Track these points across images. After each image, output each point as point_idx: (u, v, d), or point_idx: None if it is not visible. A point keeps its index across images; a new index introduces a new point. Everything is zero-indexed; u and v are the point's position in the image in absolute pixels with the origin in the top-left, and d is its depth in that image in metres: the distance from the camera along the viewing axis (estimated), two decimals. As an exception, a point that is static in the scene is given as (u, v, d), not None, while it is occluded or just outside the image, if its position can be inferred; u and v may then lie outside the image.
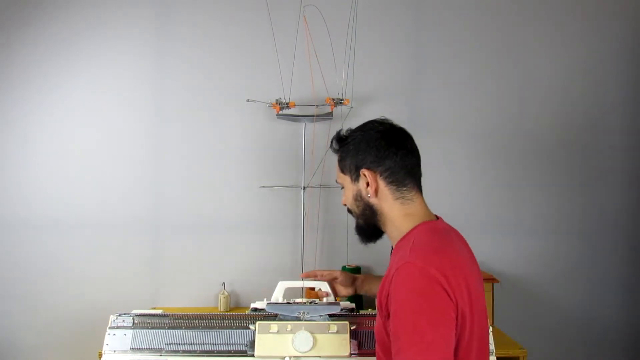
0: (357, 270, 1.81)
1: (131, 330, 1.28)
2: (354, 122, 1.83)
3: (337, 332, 1.25)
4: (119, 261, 1.83)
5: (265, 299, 1.39)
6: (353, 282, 1.49)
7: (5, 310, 1.81)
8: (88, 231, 1.83)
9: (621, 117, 1.92)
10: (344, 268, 1.82)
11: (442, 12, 1.90)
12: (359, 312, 1.35)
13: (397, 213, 1.07)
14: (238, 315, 1.31)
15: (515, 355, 1.55)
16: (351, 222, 1.83)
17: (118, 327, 1.29)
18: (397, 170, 1.07)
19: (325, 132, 1.84)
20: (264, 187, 1.85)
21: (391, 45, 1.89)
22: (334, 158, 1.80)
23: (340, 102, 1.79)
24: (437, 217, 1.11)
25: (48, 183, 1.82)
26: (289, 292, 1.51)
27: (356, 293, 1.50)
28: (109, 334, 1.28)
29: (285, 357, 1.23)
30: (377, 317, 1.05)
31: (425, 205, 1.10)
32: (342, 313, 1.32)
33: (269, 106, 1.80)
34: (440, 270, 0.92)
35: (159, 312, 1.37)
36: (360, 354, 1.24)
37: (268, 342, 1.24)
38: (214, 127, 1.86)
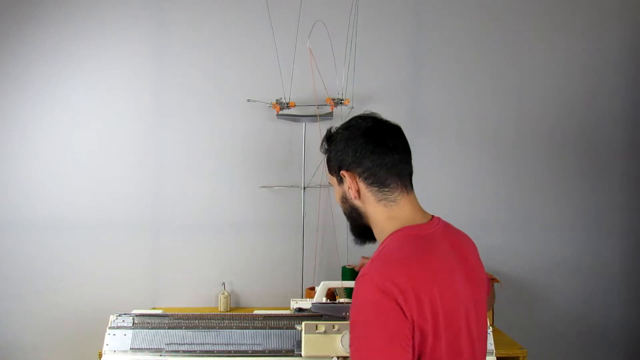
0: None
1: (131, 331, 1.28)
2: (354, 122, 1.86)
3: None
4: (119, 261, 1.83)
5: (308, 299, 1.37)
6: None
7: (5, 310, 1.81)
8: (88, 231, 1.83)
9: (621, 117, 1.92)
10: (343, 268, 1.82)
11: (442, 13, 1.90)
12: None
13: (381, 216, 1.00)
14: (240, 316, 1.31)
15: (515, 355, 1.55)
16: (351, 222, 1.86)
17: (118, 327, 1.29)
18: (376, 171, 0.99)
19: (325, 132, 1.84)
20: (264, 187, 1.85)
21: (391, 45, 1.89)
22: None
23: (340, 102, 1.79)
24: (432, 218, 1.02)
25: (48, 183, 1.82)
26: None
27: None
28: (109, 334, 1.28)
29: (333, 357, 1.22)
30: None
31: (413, 206, 1.01)
32: None
33: (269, 106, 1.80)
34: (397, 285, 0.85)
35: (159, 312, 1.37)
36: None
37: (316, 342, 1.23)
38: (214, 127, 1.86)
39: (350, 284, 1.48)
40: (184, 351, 1.26)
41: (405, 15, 1.89)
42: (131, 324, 1.29)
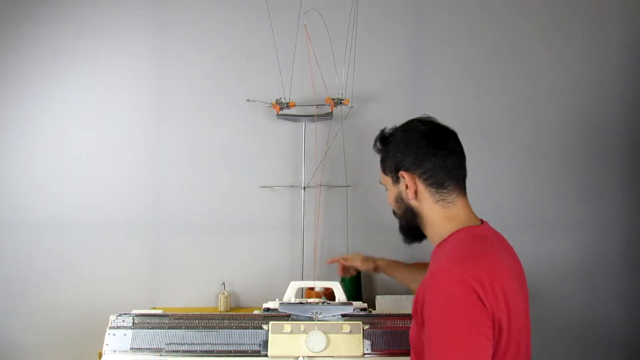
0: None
1: (131, 330, 1.28)
2: (354, 122, 1.86)
3: (351, 332, 1.25)
4: (119, 261, 1.83)
5: (277, 299, 1.38)
6: (374, 262, 1.47)
7: (5, 310, 1.81)
8: (88, 231, 1.83)
9: (621, 118, 1.92)
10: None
11: (442, 12, 1.90)
12: (371, 312, 1.35)
13: (438, 216, 1.04)
14: (240, 315, 1.31)
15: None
16: (351, 222, 1.85)
17: (118, 327, 1.29)
18: (436, 172, 1.03)
19: (325, 132, 1.84)
20: (264, 187, 1.85)
21: (391, 45, 1.89)
22: (333, 158, 1.80)
23: (340, 102, 1.79)
24: (482, 221, 1.07)
25: (48, 183, 1.82)
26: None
27: (377, 272, 1.48)
28: (109, 334, 1.28)
29: (298, 357, 1.23)
30: (412, 323, 1.01)
31: (469, 208, 1.06)
32: (355, 313, 1.32)
33: (269, 106, 1.80)
34: (476, 279, 0.89)
35: (159, 312, 1.37)
36: (373, 354, 1.24)
37: (282, 342, 1.24)
38: (214, 127, 1.86)
39: (322, 283, 1.49)
40: (184, 351, 1.26)
41: (405, 15, 1.89)
42: (131, 324, 1.29)
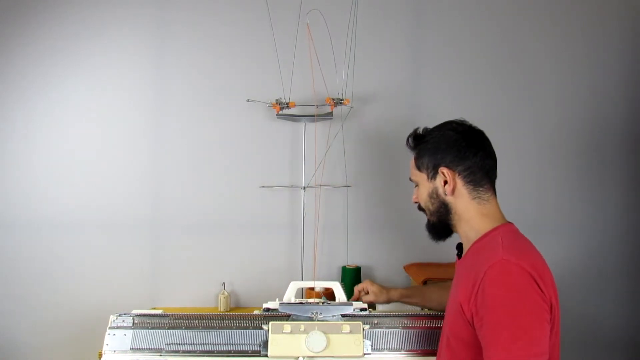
0: (357, 270, 1.81)
1: (131, 330, 1.28)
2: (354, 122, 1.86)
3: (350, 332, 1.25)
4: (119, 261, 1.83)
5: (277, 299, 1.38)
6: (387, 293, 1.46)
7: (5, 310, 1.81)
8: (88, 231, 1.83)
9: (621, 118, 1.92)
10: (343, 268, 1.83)
11: (442, 12, 1.90)
12: (371, 312, 1.35)
13: (474, 213, 1.09)
14: (240, 316, 1.31)
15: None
16: (351, 222, 1.85)
17: (118, 327, 1.29)
18: (475, 171, 1.09)
19: (325, 132, 1.84)
20: (264, 187, 1.85)
21: (391, 45, 1.89)
22: (333, 158, 1.81)
23: (340, 102, 1.79)
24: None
25: (48, 183, 1.82)
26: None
27: (392, 301, 1.46)
28: (109, 334, 1.28)
29: (298, 357, 1.23)
30: (453, 318, 1.05)
31: (499, 207, 1.12)
32: (355, 313, 1.31)
33: (269, 106, 1.80)
34: (533, 268, 0.95)
35: (159, 312, 1.37)
36: (373, 354, 1.24)
37: (281, 342, 1.24)
38: (214, 127, 1.86)
39: (322, 283, 1.49)
40: (184, 351, 1.26)
41: (405, 15, 1.89)
42: (131, 324, 1.29)
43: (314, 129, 1.84)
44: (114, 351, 1.26)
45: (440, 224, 1.15)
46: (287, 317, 1.30)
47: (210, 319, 1.30)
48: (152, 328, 1.29)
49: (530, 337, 0.90)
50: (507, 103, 1.90)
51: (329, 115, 1.80)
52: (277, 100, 1.78)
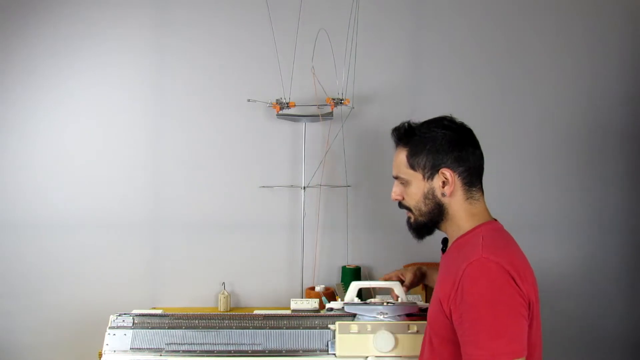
0: (357, 270, 1.81)
1: (131, 330, 1.28)
2: (355, 122, 1.86)
3: (417, 331, 1.25)
4: (119, 261, 1.83)
5: (339, 299, 1.36)
6: (420, 277, 1.45)
7: (5, 310, 1.80)
8: (88, 231, 1.83)
9: (621, 118, 1.92)
10: (343, 268, 1.83)
11: (442, 12, 1.90)
12: None
13: (464, 213, 1.08)
14: (239, 316, 1.31)
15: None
16: (351, 222, 1.85)
17: (118, 327, 1.29)
18: (472, 172, 1.08)
19: (325, 132, 1.84)
20: (264, 187, 1.85)
21: (391, 45, 1.89)
22: (333, 158, 1.80)
23: (340, 102, 1.79)
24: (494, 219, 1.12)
25: (48, 183, 1.82)
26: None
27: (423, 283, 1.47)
28: (109, 334, 1.28)
29: (367, 357, 1.23)
30: (435, 307, 1.04)
31: (486, 205, 1.11)
32: (420, 313, 1.30)
33: (269, 106, 1.80)
34: (511, 265, 0.95)
35: (159, 312, 1.37)
36: None
37: (349, 342, 1.24)
38: (214, 127, 1.86)
39: (379, 284, 1.45)
40: (184, 351, 1.26)
41: (405, 15, 1.89)
42: (131, 324, 1.29)
43: (314, 129, 1.84)
44: (114, 351, 1.26)
45: (430, 224, 1.12)
46: (352, 317, 1.29)
47: (210, 319, 1.30)
48: (152, 328, 1.29)
49: (508, 334, 0.91)
50: (507, 103, 1.90)
51: (329, 115, 1.80)
52: (277, 100, 1.78)
